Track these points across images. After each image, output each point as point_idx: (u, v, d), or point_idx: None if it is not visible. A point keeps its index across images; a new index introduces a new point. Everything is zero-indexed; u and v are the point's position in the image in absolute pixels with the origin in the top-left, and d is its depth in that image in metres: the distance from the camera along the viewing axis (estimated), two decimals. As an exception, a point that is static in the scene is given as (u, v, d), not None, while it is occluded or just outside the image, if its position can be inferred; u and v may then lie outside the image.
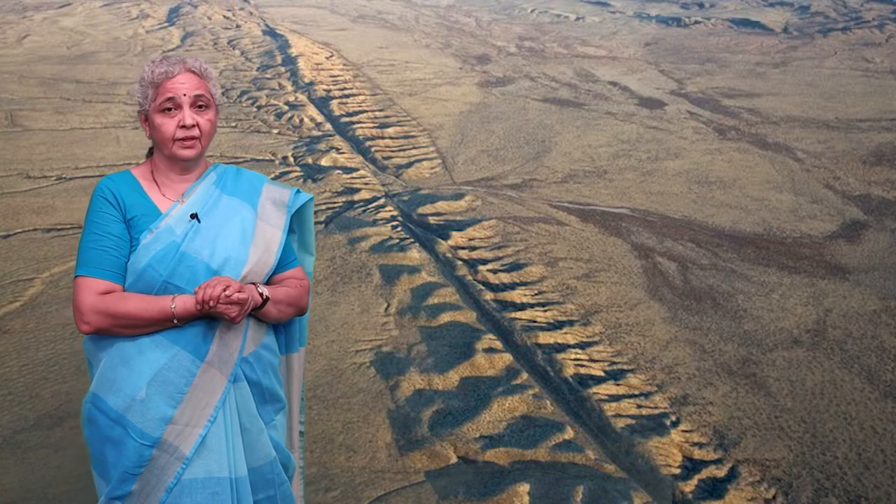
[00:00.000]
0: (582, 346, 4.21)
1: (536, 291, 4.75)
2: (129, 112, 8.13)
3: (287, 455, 2.26)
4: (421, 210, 5.85)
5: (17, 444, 3.36)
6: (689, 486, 3.25)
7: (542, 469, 3.28)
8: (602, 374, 3.98)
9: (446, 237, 5.39)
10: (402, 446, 3.42)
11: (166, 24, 13.13)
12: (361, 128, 7.87)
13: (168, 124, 2.10)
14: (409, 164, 6.97)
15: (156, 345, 2.03)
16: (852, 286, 4.92)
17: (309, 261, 2.36)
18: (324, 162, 6.85)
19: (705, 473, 3.34)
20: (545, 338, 4.25)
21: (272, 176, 6.40)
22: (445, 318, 4.40)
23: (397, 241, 5.28)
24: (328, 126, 7.93)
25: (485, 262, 5.09)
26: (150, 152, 2.23)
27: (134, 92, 2.17)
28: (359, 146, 7.44)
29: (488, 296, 4.68)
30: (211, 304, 1.94)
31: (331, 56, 10.82)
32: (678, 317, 4.54)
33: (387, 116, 8.27)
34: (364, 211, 5.81)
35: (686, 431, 3.58)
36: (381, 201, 6.01)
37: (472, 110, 8.59)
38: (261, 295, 2.07)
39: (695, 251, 5.36)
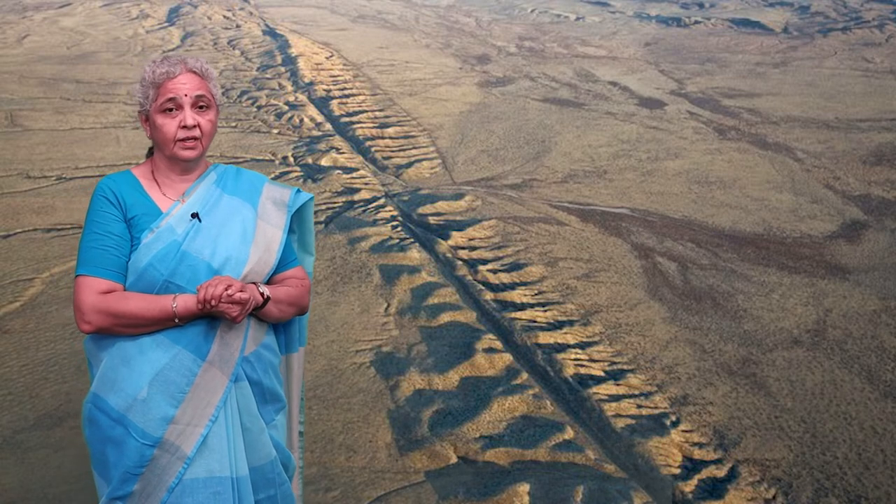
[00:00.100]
0: (582, 346, 4.21)
1: (536, 291, 4.75)
2: (129, 112, 8.13)
3: (287, 455, 2.26)
4: (421, 210, 5.85)
5: (17, 444, 3.36)
6: (689, 486, 3.25)
7: (542, 469, 3.28)
8: (602, 374, 3.98)
9: (446, 237, 5.39)
10: (402, 446, 3.42)
11: (166, 24, 13.13)
12: (361, 128, 7.87)
13: (169, 125, 2.10)
14: (409, 164, 6.97)
15: (157, 344, 2.03)
16: (852, 286, 4.92)
17: (309, 261, 2.36)
18: (324, 162, 6.85)
19: (705, 473, 3.34)
20: (545, 338, 4.25)
21: (272, 176, 6.40)
22: (445, 318, 4.40)
23: (397, 241, 5.28)
24: (328, 126, 7.93)
25: (485, 262, 5.09)
26: (150, 152, 2.23)
27: (134, 92, 2.17)
28: (359, 146, 7.44)
29: (488, 296, 4.68)
30: (213, 303, 1.94)
31: (331, 56, 10.82)
32: (678, 317, 4.54)
33: (387, 116, 8.28)
34: (364, 211, 5.81)
35: (686, 431, 3.58)
36: (381, 201, 6.01)
37: (472, 110, 8.60)
38: (262, 294, 2.07)
39: (695, 251, 5.36)
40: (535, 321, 4.42)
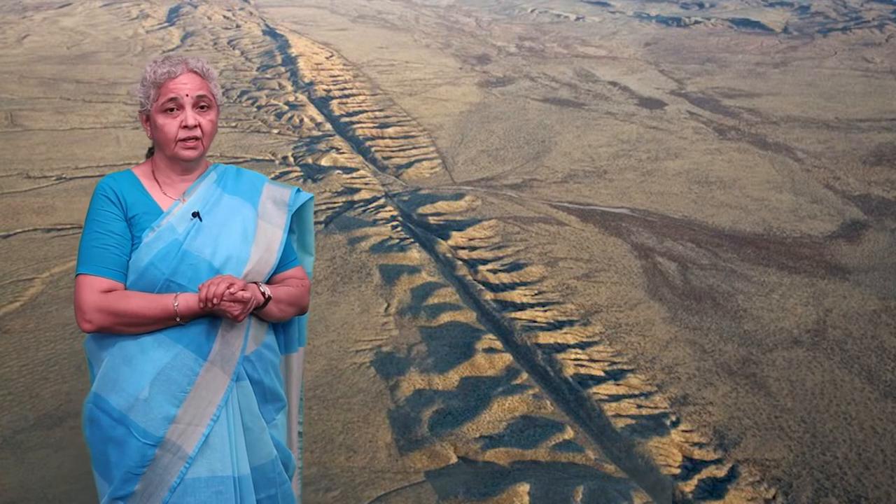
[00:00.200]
0: (582, 346, 4.21)
1: (536, 291, 4.75)
2: (129, 112, 8.13)
3: (287, 454, 2.26)
4: (421, 210, 5.85)
5: (17, 444, 3.36)
6: (689, 486, 3.25)
7: (542, 469, 3.28)
8: (602, 374, 3.98)
9: (446, 237, 5.39)
10: (402, 446, 3.42)
11: (166, 24, 13.13)
12: (361, 128, 7.87)
13: (170, 125, 2.10)
14: (409, 164, 6.97)
15: (158, 343, 2.03)
16: (852, 286, 4.92)
17: (308, 261, 2.36)
18: (324, 162, 6.85)
19: (705, 473, 3.34)
20: (545, 338, 4.25)
21: (272, 176, 6.40)
22: (445, 318, 4.40)
23: (397, 241, 5.28)
24: (328, 126, 7.93)
25: (485, 262, 5.09)
26: (150, 152, 2.23)
27: (135, 92, 2.17)
28: (359, 146, 7.44)
29: (488, 296, 4.68)
30: (215, 301, 1.94)
31: (331, 56, 10.82)
32: (678, 317, 4.54)
33: (387, 116, 8.28)
34: (364, 211, 5.81)
35: (686, 431, 3.58)
36: (381, 201, 6.01)
37: (472, 110, 8.60)
38: (263, 294, 2.07)
39: (695, 251, 5.36)
40: (535, 321, 4.42)
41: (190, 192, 2.15)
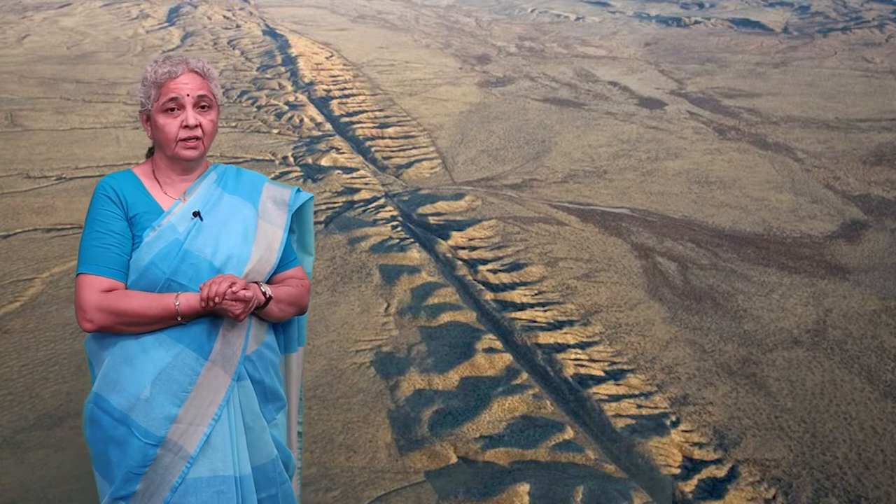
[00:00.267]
0: (582, 346, 4.21)
1: (536, 291, 4.75)
2: (129, 112, 8.13)
3: (288, 453, 2.27)
4: (421, 210, 5.85)
5: (17, 444, 3.36)
6: (689, 486, 3.25)
7: (542, 469, 3.28)
8: (602, 374, 3.98)
9: (446, 237, 5.39)
10: (402, 446, 3.42)
11: (166, 24, 13.13)
12: (361, 128, 7.87)
13: (171, 124, 2.10)
14: (409, 164, 6.97)
15: (159, 343, 2.03)
16: (852, 286, 4.92)
17: (308, 261, 2.37)
18: (324, 162, 6.85)
19: (705, 473, 3.34)
20: (545, 338, 4.25)
21: (272, 176, 6.41)
22: (445, 318, 4.40)
23: (397, 241, 5.28)
24: (328, 126, 7.93)
25: (485, 262, 5.09)
26: (150, 152, 2.23)
27: (136, 92, 2.17)
28: (359, 146, 7.44)
29: (488, 296, 4.68)
30: (217, 300, 1.94)
31: (331, 56, 10.83)
32: (678, 317, 4.54)
33: (387, 116, 8.28)
34: (364, 211, 5.81)
35: (686, 431, 3.58)
36: (381, 201, 6.01)
37: (472, 110, 8.60)
38: (264, 294, 2.07)
39: (695, 251, 5.36)
40: (535, 321, 4.42)
41: (190, 192, 2.16)
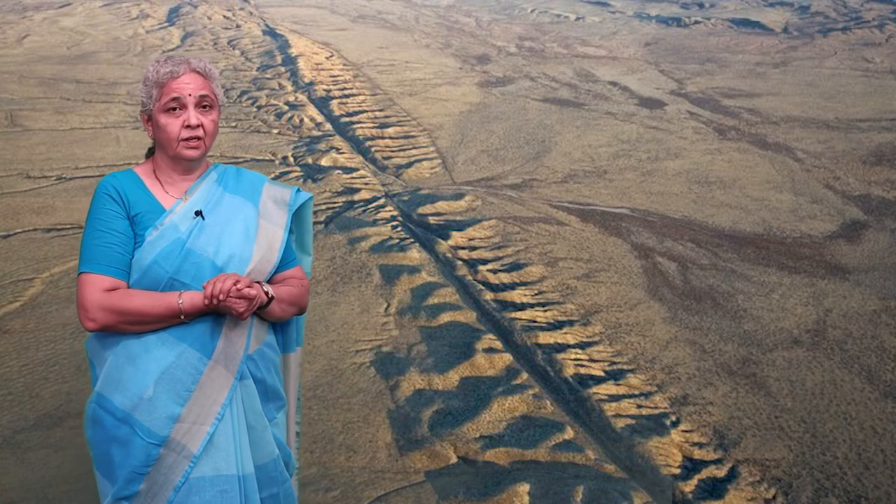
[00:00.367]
0: (582, 346, 4.22)
1: (536, 291, 4.75)
2: (129, 112, 8.13)
3: (288, 453, 2.27)
4: (421, 210, 5.85)
5: (17, 444, 3.36)
6: (689, 486, 3.25)
7: (542, 469, 3.28)
8: (602, 374, 3.98)
9: (446, 237, 5.39)
10: (402, 446, 3.42)
11: (166, 24, 13.13)
12: (361, 128, 7.87)
13: (173, 124, 2.10)
14: (409, 164, 6.97)
15: (162, 342, 2.03)
16: (852, 286, 4.92)
17: (307, 261, 2.37)
18: (324, 162, 6.85)
19: (705, 473, 3.34)
20: (545, 338, 4.25)
21: (272, 176, 6.41)
22: (445, 318, 4.40)
23: (397, 241, 5.28)
24: (328, 126, 7.93)
25: (485, 262, 5.09)
26: (149, 152, 2.23)
27: (137, 91, 2.17)
28: (359, 146, 7.44)
29: (488, 296, 4.68)
30: (221, 297, 1.94)
31: (331, 56, 10.83)
32: (678, 317, 4.54)
33: (387, 116, 8.28)
34: (364, 211, 5.81)
35: (686, 431, 3.58)
36: (381, 201, 6.01)
37: (472, 110, 8.60)
38: (266, 293, 2.08)
39: (695, 251, 5.36)
40: (535, 321, 4.42)
41: (191, 192, 2.16)
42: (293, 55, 10.60)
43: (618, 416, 3.66)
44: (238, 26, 12.89)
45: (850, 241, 5.60)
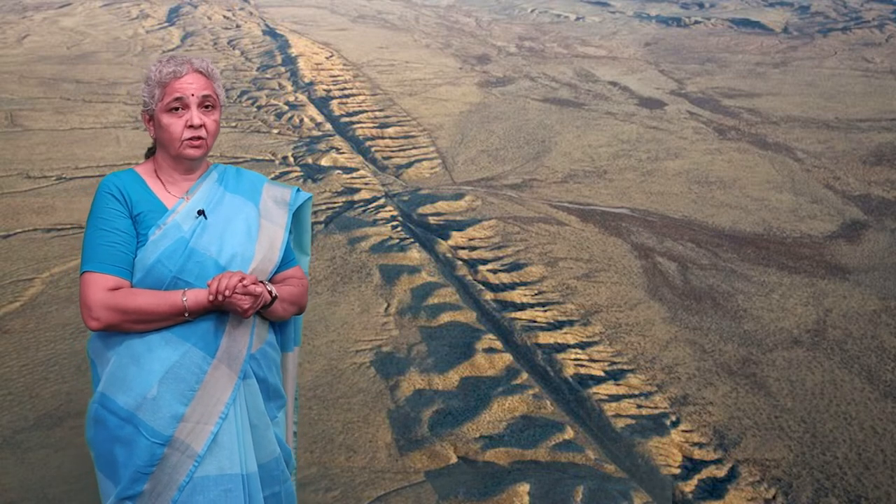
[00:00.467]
0: (582, 346, 4.22)
1: (536, 291, 4.75)
2: (129, 112, 8.13)
3: (288, 451, 2.28)
4: (421, 210, 5.85)
5: (17, 444, 3.36)
6: (689, 486, 3.26)
7: (542, 469, 3.29)
8: (602, 374, 3.99)
9: (446, 237, 5.39)
10: (402, 446, 3.42)
11: (166, 24, 13.13)
12: (361, 128, 7.87)
13: (176, 124, 2.10)
14: (409, 164, 6.97)
15: (166, 342, 2.03)
16: (852, 286, 4.92)
17: (305, 260, 2.38)
18: (324, 162, 6.85)
19: (705, 473, 3.34)
20: (545, 338, 4.25)
21: (272, 176, 6.41)
22: (445, 318, 4.40)
23: (397, 241, 5.28)
24: (328, 126, 7.93)
25: (485, 262, 5.09)
26: (149, 152, 2.23)
27: (139, 91, 2.17)
28: (359, 146, 7.44)
29: (488, 296, 4.68)
30: (227, 293, 1.95)
31: (331, 56, 10.83)
32: (678, 317, 4.54)
33: (387, 116, 8.28)
34: (364, 211, 5.81)
35: (686, 431, 3.58)
36: (381, 201, 6.01)
37: (472, 110, 8.60)
38: (269, 293, 2.08)
39: (695, 251, 5.36)
40: (535, 321, 4.42)
41: (193, 191, 2.16)
42: (293, 55, 10.60)
43: (618, 416, 3.66)
44: (238, 26, 12.89)
45: (850, 241, 5.60)
